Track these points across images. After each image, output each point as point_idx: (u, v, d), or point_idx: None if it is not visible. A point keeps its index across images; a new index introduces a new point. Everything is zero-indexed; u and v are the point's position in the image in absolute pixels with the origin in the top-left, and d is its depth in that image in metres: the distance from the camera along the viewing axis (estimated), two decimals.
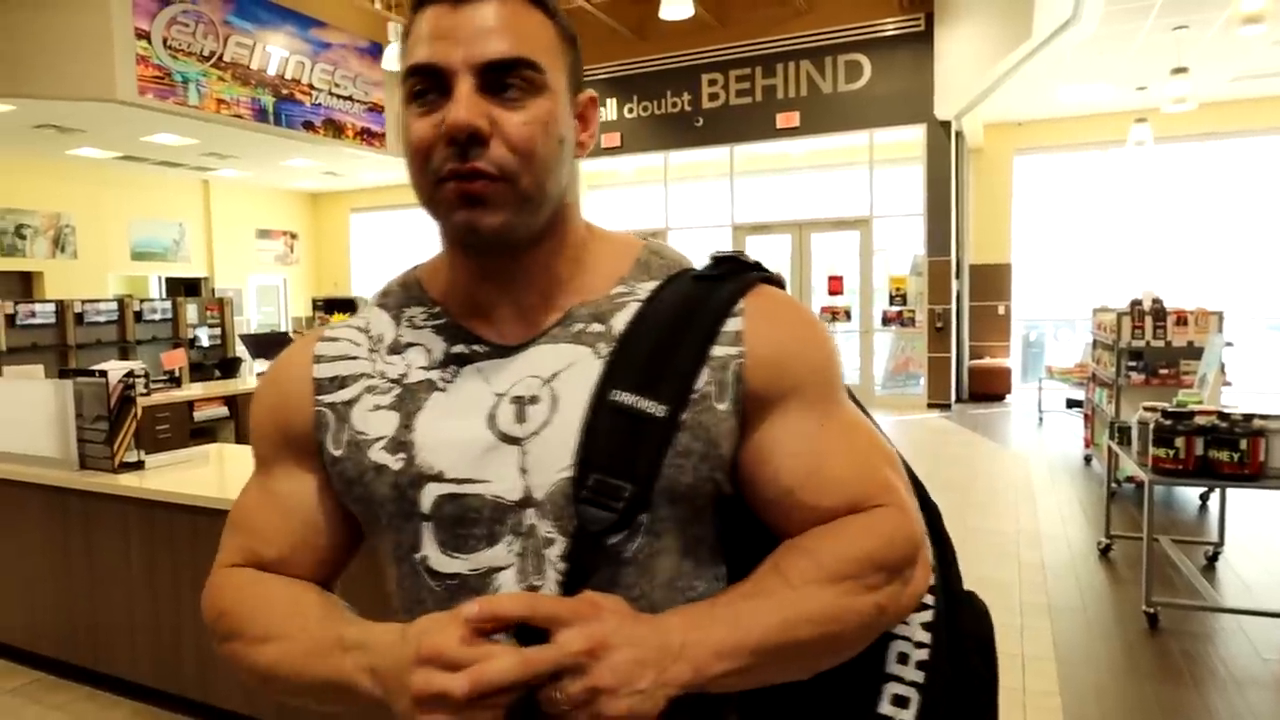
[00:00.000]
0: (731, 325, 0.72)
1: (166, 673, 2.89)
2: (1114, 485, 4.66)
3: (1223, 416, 3.36)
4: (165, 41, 7.88)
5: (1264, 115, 9.76)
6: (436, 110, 0.67)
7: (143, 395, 3.12)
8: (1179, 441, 3.38)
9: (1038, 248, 11.03)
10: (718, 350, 0.71)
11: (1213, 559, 4.24)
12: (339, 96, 9.90)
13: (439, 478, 0.69)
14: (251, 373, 8.49)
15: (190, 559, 2.79)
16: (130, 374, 3.04)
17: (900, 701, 0.72)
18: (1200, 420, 3.37)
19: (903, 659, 0.73)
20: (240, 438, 5.96)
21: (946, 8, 8.87)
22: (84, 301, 9.36)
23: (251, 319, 13.13)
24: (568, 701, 0.57)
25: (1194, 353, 5.33)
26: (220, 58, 8.47)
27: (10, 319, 8.59)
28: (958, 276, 9.95)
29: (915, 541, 0.71)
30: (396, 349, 0.76)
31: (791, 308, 0.76)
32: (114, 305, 9.69)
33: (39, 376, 4.92)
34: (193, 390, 6.27)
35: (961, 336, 10.34)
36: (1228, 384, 5.51)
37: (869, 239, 10.05)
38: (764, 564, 0.69)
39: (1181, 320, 5.43)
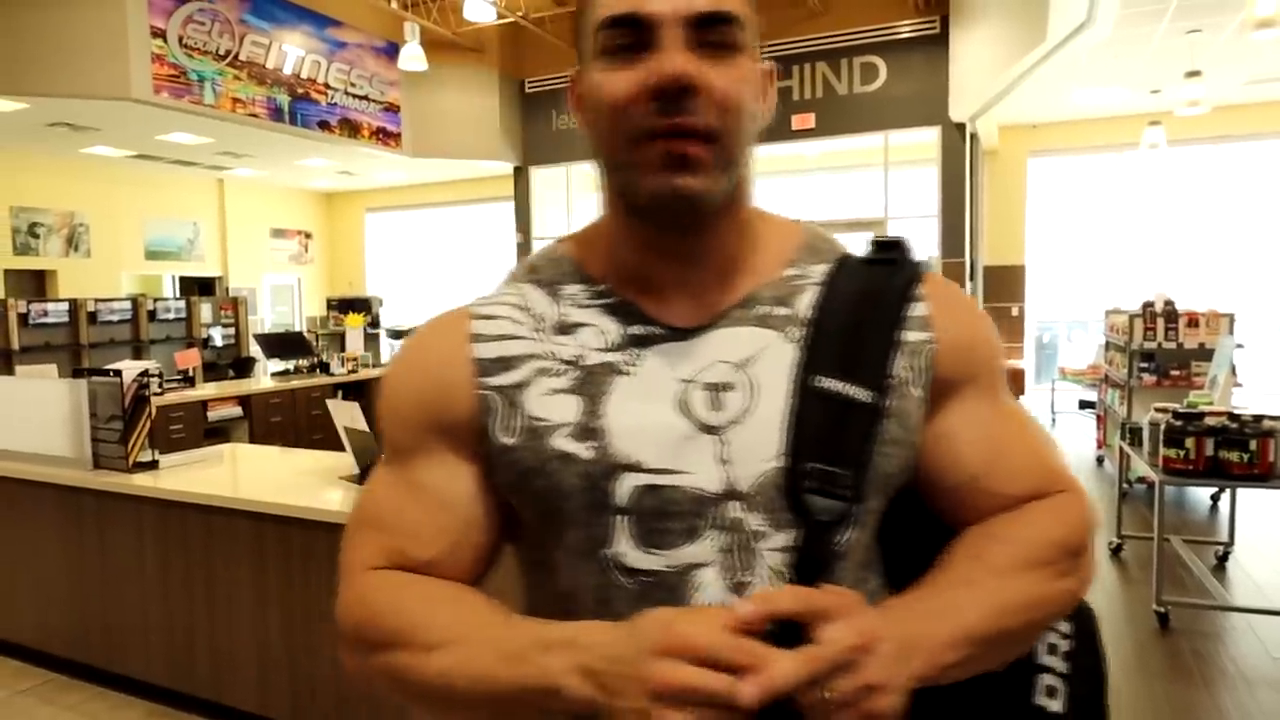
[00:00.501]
0: (917, 310, 0.71)
1: (180, 673, 2.92)
2: (1125, 485, 4.64)
3: (1233, 417, 3.36)
4: (181, 40, 7.95)
5: (1276, 119, 9.68)
6: (637, 65, 0.63)
7: (156, 395, 3.16)
8: (1189, 442, 3.37)
9: (1051, 249, 10.98)
10: (909, 335, 0.70)
11: (1223, 559, 4.23)
12: (355, 96, 9.95)
13: (637, 468, 0.65)
14: (265, 373, 8.55)
15: (204, 559, 2.83)
16: (145, 373, 3.08)
17: (1050, 692, 0.73)
18: (1210, 421, 3.37)
19: (1052, 650, 0.74)
20: (254, 437, 6.01)
21: (962, 10, 8.83)
22: (97, 300, 9.44)
23: (265, 318, 13.22)
24: (838, 699, 0.53)
25: (1205, 354, 5.31)
26: (236, 56, 8.53)
27: (24, 318, 8.66)
28: (972, 278, 9.91)
29: (1093, 527, 0.73)
30: (564, 329, 0.71)
31: (964, 295, 0.76)
32: (127, 304, 9.77)
33: (52, 376, 4.99)
34: (206, 390, 6.33)
35: None
36: (1239, 385, 5.47)
37: None
38: (956, 552, 0.68)
39: (1193, 322, 5.40)
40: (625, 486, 0.64)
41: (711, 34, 0.63)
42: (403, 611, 0.66)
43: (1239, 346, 5.19)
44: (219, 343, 10.48)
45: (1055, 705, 0.72)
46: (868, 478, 0.66)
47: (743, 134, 0.65)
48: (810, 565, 0.63)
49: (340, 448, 3.13)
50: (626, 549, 0.65)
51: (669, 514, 0.64)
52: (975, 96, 8.62)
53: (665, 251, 0.69)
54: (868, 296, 0.69)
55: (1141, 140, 8.96)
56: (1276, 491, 3.54)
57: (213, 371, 9.66)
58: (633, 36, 0.63)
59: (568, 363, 0.68)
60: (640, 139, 0.63)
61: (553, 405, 0.67)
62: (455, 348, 0.71)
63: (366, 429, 2.94)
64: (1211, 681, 3.00)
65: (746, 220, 0.72)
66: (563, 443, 0.66)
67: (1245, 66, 8.14)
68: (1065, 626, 0.75)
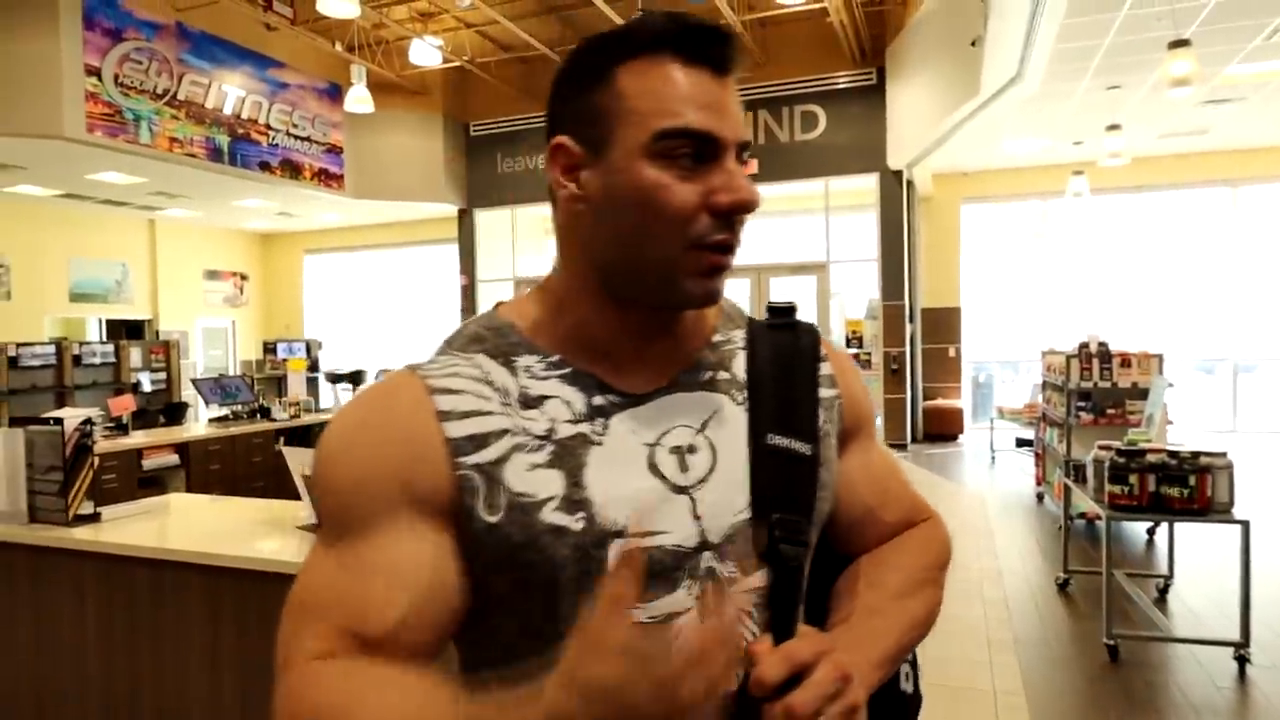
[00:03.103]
0: (825, 369, 0.82)
1: None
2: (1067, 521, 4.78)
3: (1172, 454, 3.50)
4: (117, 78, 7.76)
5: (1190, 170, 10.34)
6: (697, 176, 0.68)
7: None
8: (1133, 478, 3.50)
9: (984, 292, 11.41)
10: (823, 392, 0.81)
11: (1164, 591, 4.37)
12: (297, 137, 9.82)
13: (623, 533, 0.68)
14: (198, 419, 8.23)
15: (151, 617, 2.68)
16: (87, 422, 2.94)
17: (907, 676, 0.84)
18: (1152, 458, 3.51)
19: None
20: (192, 486, 5.76)
21: (897, 63, 9.23)
22: (18, 345, 9.01)
23: (198, 362, 12.77)
24: None
25: (1138, 393, 5.54)
26: (174, 96, 8.36)
27: None
28: (911, 320, 10.20)
29: (950, 544, 0.90)
30: (529, 402, 0.71)
31: (848, 355, 0.89)
32: (50, 349, 9.35)
33: None
34: (141, 438, 6.06)
35: (915, 378, 10.56)
36: (1170, 423, 5.72)
37: (826, 283, 10.26)
38: (860, 580, 0.80)
39: (1125, 362, 5.65)
40: (615, 552, 0.68)
41: (741, 156, 0.71)
42: (353, 705, 0.59)
43: (1169, 385, 5.44)
44: (148, 388, 10.07)
45: (909, 687, 0.85)
46: (813, 521, 0.75)
47: None
48: (784, 605, 0.72)
49: (287, 495, 3.02)
50: None
51: (653, 572, 0.68)
52: (911, 145, 8.98)
53: (646, 331, 0.75)
54: (789, 358, 0.79)
55: (1067, 188, 9.43)
56: (1211, 525, 3.70)
57: (142, 418, 9.24)
58: (697, 148, 0.68)
59: (541, 437, 0.70)
60: (694, 247, 0.69)
61: (535, 480, 0.69)
62: (424, 425, 0.69)
63: None
64: (1164, 712, 3.08)
65: None
66: (553, 516, 0.68)
67: (1161, 121, 8.69)
68: None
